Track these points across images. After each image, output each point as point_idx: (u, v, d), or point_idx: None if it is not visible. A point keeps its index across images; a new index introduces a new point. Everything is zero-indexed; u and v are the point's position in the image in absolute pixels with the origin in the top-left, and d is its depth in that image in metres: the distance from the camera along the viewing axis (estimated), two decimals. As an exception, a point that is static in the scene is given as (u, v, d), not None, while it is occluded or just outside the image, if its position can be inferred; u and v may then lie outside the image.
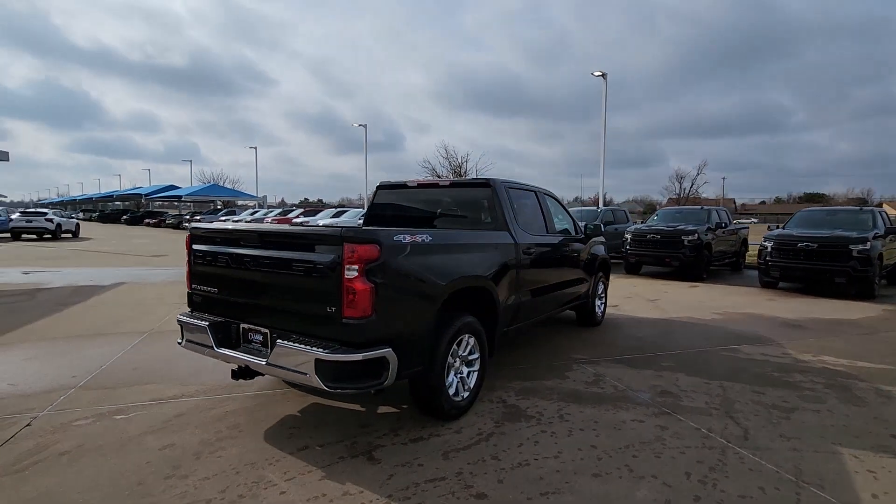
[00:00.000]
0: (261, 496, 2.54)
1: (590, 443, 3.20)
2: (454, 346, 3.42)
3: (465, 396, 3.57)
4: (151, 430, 3.30)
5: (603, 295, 6.71)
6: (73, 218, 26.54)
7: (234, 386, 3.98)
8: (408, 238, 3.03)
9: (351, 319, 2.73)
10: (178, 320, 3.51)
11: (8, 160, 17.56)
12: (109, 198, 56.68)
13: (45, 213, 23.34)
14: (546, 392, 4.08)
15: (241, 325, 3.21)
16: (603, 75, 19.63)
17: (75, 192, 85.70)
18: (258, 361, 2.97)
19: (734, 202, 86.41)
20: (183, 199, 39.49)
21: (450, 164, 36.76)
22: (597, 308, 6.43)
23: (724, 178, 71.81)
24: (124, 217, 43.16)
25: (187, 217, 33.66)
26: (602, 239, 6.86)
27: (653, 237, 11.78)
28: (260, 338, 3.11)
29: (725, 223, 12.72)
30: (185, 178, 60.29)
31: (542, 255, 4.84)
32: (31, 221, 22.52)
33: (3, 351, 5.10)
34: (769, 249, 9.97)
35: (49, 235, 22.57)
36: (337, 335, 2.78)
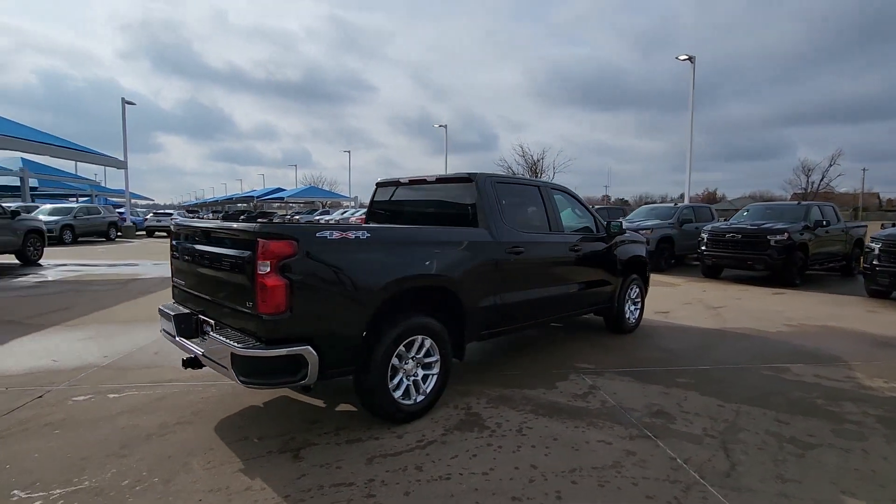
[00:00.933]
0: (173, 482, 2.65)
1: (532, 462, 2.89)
2: (401, 348, 3.29)
3: (418, 400, 3.43)
4: (129, 409, 3.60)
5: (639, 299, 6.09)
6: (195, 218, 30.23)
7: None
8: (336, 234, 2.97)
9: (265, 315, 2.73)
10: (158, 310, 3.80)
11: (126, 168, 20.37)
12: (230, 200, 63.57)
13: (171, 214, 26.80)
14: (521, 402, 3.78)
15: (199, 317, 3.37)
16: (690, 59, 17.87)
17: (208, 196, 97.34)
18: (198, 351, 3.11)
19: (878, 197, 74.19)
20: (286, 200, 43.10)
21: (525, 163, 35.85)
22: (627, 313, 5.86)
23: (864, 170, 61.98)
24: (242, 216, 47.97)
25: (288, 216, 36.53)
26: (637, 237, 6.23)
27: (732, 237, 10.45)
28: (209, 329, 3.24)
29: (828, 221, 10.92)
30: (298, 181, 65.38)
31: (539, 254, 4.50)
32: (160, 221, 26.06)
33: (69, 331, 5.89)
34: (876, 252, 8.38)
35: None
36: (255, 330, 2.81)
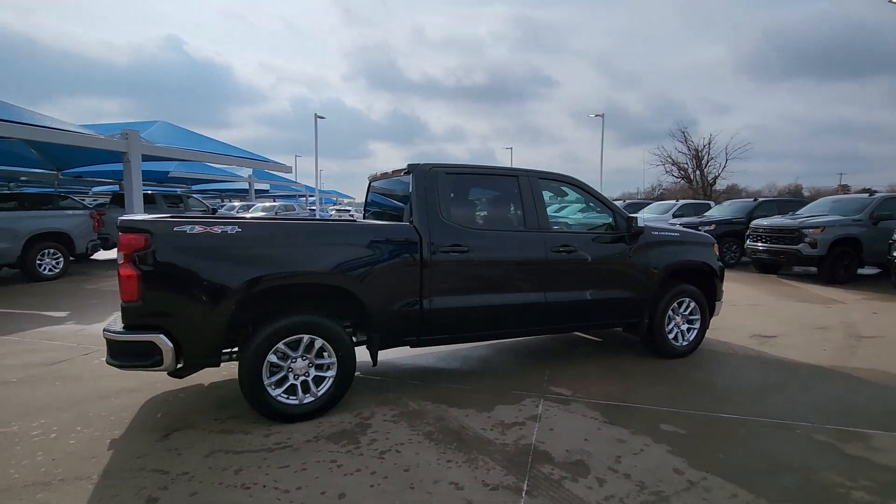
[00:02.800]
0: (65, 437, 3.07)
1: (345, 491, 2.54)
2: (282, 346, 3.21)
3: (306, 401, 3.30)
4: (116, 374, 4.27)
5: (696, 317, 4.77)
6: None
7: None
8: (197, 229, 3.04)
9: (122, 302, 2.96)
10: None
11: (291, 172, 23.77)
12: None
13: (349, 211, 30.82)
14: (429, 421, 3.32)
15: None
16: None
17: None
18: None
19: None
20: None
21: (688, 150, 30.58)
22: (672, 332, 4.65)
23: None
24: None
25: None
26: (694, 237, 4.91)
27: (765, 231, 10.46)
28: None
29: None
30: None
31: (496, 254, 3.90)
32: (341, 215, 30.21)
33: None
34: None
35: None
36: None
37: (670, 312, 4.66)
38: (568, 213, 6.91)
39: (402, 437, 3.11)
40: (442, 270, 3.68)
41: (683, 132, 29.92)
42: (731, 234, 12.24)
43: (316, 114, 28.01)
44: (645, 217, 15.80)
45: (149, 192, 19.41)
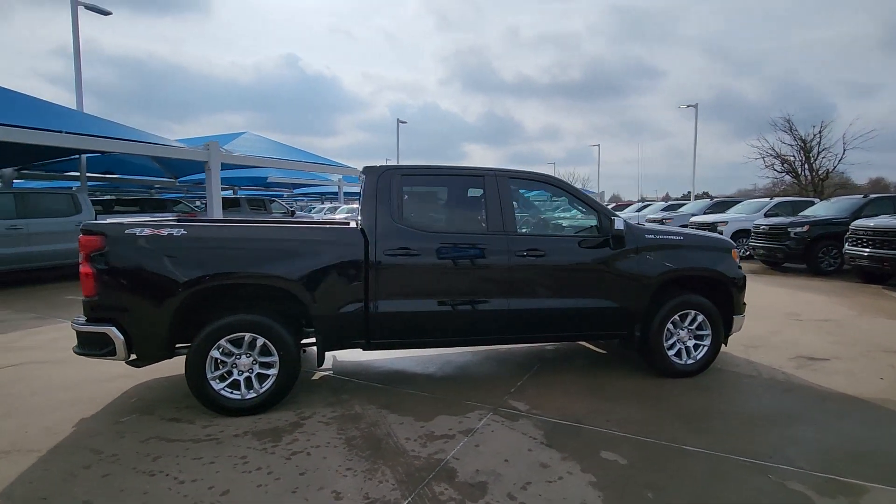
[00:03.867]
0: (25, 427, 3.51)
1: (230, 486, 2.60)
2: (225, 343, 3.37)
3: (248, 397, 3.43)
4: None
5: (706, 332, 4.19)
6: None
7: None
8: (146, 231, 3.30)
9: (83, 297, 3.31)
10: None
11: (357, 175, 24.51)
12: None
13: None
14: (361, 427, 3.28)
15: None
16: None
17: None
18: None
19: None
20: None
21: (794, 140, 26.37)
22: (674, 348, 4.14)
23: None
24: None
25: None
26: (701, 240, 4.32)
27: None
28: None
29: None
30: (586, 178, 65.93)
31: (451, 258, 3.74)
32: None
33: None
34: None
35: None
36: None
37: (670, 326, 4.14)
38: (562, 215, 6.43)
39: (322, 440, 3.11)
40: (389, 274, 3.62)
41: (788, 121, 26.06)
42: (829, 236, 10.55)
43: (398, 119, 29.16)
44: (730, 217, 14.20)
45: (244, 196, 21.36)
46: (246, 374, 3.46)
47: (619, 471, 2.75)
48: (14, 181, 15.12)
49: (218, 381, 3.41)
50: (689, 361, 4.21)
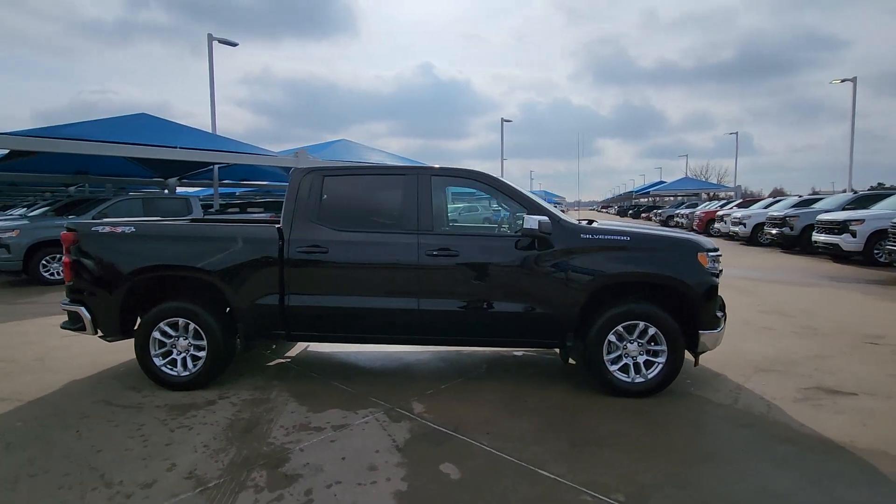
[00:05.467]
0: (31, 385, 4.38)
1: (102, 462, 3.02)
2: (164, 325, 3.88)
3: (182, 374, 3.88)
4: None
5: (660, 348, 3.63)
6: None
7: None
8: (106, 229, 3.93)
9: (66, 282, 4.07)
10: None
11: None
12: (629, 195, 65.09)
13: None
14: (253, 407, 3.53)
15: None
16: None
17: (617, 192, 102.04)
18: None
19: None
20: (652, 192, 40.25)
21: None
22: (607, 363, 3.67)
23: None
24: (630, 211, 48.89)
25: (657, 211, 34.65)
26: (651, 242, 3.72)
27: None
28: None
29: None
30: (691, 171, 59.69)
31: (361, 256, 3.81)
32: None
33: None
34: None
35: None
36: None
37: (613, 338, 3.66)
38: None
39: (215, 419, 3.41)
40: (301, 270, 3.81)
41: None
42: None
43: (502, 118, 29.01)
44: (869, 215, 11.60)
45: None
46: (183, 355, 3.93)
47: (440, 485, 2.58)
48: (178, 188, 18.57)
49: (161, 357, 3.93)
50: (639, 380, 3.67)
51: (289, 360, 4.75)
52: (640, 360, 3.68)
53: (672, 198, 46.32)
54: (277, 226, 3.90)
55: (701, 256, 3.66)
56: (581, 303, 3.63)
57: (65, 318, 4.15)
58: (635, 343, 3.67)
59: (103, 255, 3.94)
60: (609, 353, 3.69)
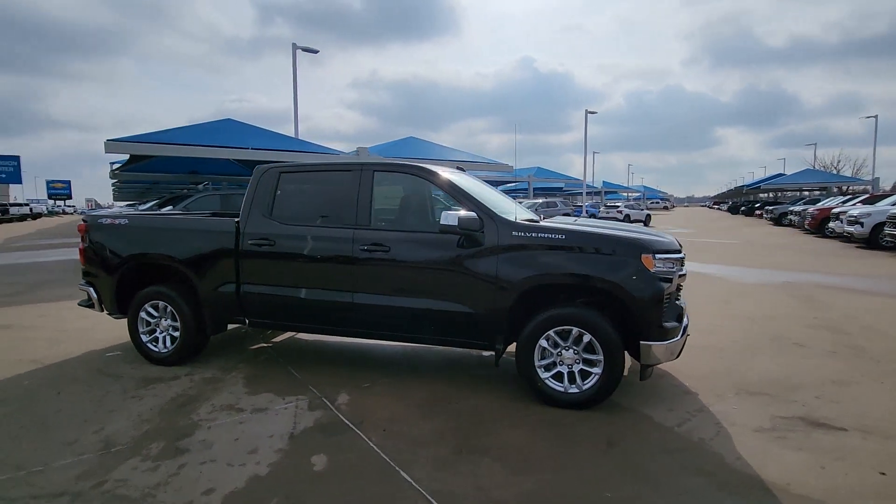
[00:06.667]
0: (54, 348, 5.14)
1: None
2: (147, 307, 4.37)
3: (162, 350, 4.35)
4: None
5: (598, 357, 3.32)
6: (644, 210, 31.18)
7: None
8: (108, 220, 4.51)
9: (82, 266, 4.74)
10: None
11: (512, 171, 23.20)
12: (740, 190, 58.36)
13: (619, 206, 29.29)
14: (215, 383, 3.84)
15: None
16: None
17: (732, 185, 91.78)
18: None
19: None
20: (762, 186, 35.28)
21: None
22: (538, 369, 3.44)
23: None
24: (742, 208, 44.00)
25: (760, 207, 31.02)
26: (593, 240, 3.38)
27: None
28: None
29: None
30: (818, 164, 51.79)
31: (302, 249, 3.95)
32: (609, 213, 29.06)
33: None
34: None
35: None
36: None
37: (545, 343, 3.42)
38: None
39: (163, 392, 3.76)
40: (252, 261, 4.06)
41: None
42: None
43: (587, 110, 27.64)
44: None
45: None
46: (164, 334, 4.40)
47: (297, 473, 2.64)
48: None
49: (147, 335, 4.45)
50: (573, 390, 3.39)
51: (270, 345, 5.08)
52: (576, 368, 3.40)
53: (797, 192, 40.89)
54: (237, 220, 4.19)
55: (645, 258, 3.27)
56: (509, 304, 3.43)
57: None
58: (571, 350, 3.39)
59: (104, 243, 4.53)
60: (543, 358, 3.45)
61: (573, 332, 3.35)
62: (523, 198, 32.40)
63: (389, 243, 3.72)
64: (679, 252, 3.51)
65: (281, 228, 4.02)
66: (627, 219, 28.59)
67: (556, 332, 3.39)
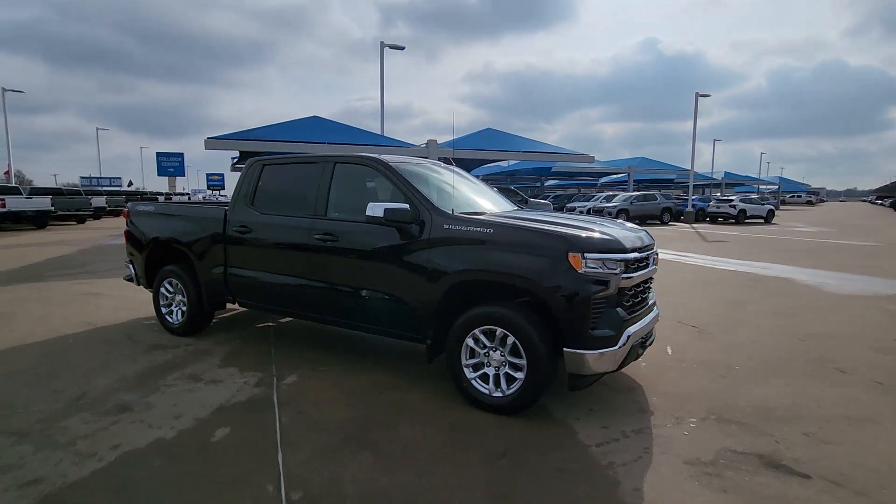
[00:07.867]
0: (83, 316, 6.03)
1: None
2: (165, 283, 5.00)
3: (176, 323, 4.96)
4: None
5: (521, 363, 3.10)
6: (766, 204, 27.28)
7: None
8: (142, 208, 5.22)
9: (126, 246, 5.54)
10: None
11: (592, 162, 21.09)
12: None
13: (731, 200, 26.17)
14: (208, 355, 4.30)
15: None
16: None
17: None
18: None
19: None
20: None
21: None
22: (464, 368, 3.31)
23: None
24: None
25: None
26: (516, 235, 3.15)
27: None
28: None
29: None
30: None
31: (273, 236, 4.23)
32: (719, 207, 26.11)
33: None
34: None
35: (732, 220, 25.49)
36: None
37: (471, 342, 3.27)
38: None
39: (153, 359, 4.27)
40: (235, 247, 4.42)
41: None
42: None
43: (697, 93, 24.85)
44: None
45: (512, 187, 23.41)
46: (176, 308, 5.01)
47: (194, 441, 2.86)
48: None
49: (165, 308, 5.09)
50: (497, 393, 3.21)
51: (274, 324, 5.49)
52: (502, 371, 3.19)
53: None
54: (226, 208, 4.59)
55: (572, 257, 2.95)
56: (437, 297, 3.33)
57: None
58: (498, 352, 3.20)
59: (138, 227, 5.26)
60: (472, 358, 3.30)
61: (497, 332, 3.15)
62: (620, 190, 30.37)
63: (338, 233, 3.81)
64: (627, 252, 3.10)
65: (257, 217, 4.33)
66: (743, 213, 25.42)
67: (482, 332, 3.22)
